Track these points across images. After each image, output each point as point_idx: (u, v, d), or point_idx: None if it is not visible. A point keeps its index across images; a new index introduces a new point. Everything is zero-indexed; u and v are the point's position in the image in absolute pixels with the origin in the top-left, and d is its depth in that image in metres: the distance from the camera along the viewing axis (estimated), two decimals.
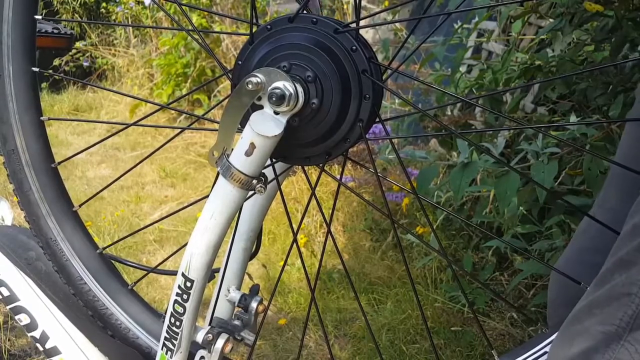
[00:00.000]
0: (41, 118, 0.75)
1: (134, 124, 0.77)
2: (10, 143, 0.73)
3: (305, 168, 0.73)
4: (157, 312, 0.80)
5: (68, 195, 0.78)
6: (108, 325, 0.77)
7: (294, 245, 0.66)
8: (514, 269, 1.60)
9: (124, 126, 0.78)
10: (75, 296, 0.77)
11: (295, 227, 0.69)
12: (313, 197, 0.65)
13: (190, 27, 0.71)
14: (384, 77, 0.59)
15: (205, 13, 3.69)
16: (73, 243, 0.76)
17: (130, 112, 3.65)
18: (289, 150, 0.60)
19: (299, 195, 2.33)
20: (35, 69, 0.73)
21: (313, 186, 0.65)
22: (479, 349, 1.40)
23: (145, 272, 0.79)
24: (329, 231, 0.67)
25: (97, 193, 0.82)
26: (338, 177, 0.67)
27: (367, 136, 0.58)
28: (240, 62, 0.59)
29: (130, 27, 4.73)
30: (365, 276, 1.76)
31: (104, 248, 0.79)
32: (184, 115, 3.62)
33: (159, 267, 0.81)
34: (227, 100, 0.57)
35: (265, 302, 0.72)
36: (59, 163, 0.76)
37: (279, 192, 0.71)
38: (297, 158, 0.61)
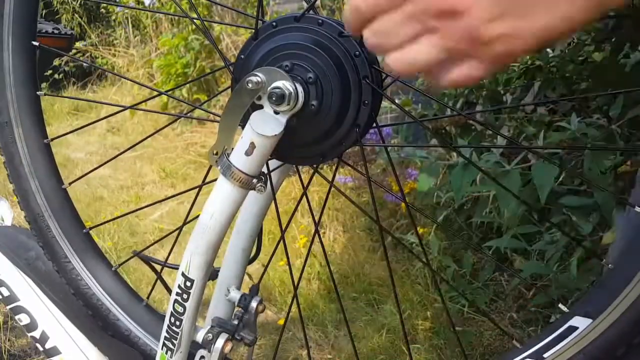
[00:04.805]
0: (37, 93, 0.75)
1: (132, 107, 0.77)
2: (4, 115, 0.73)
3: (300, 169, 0.73)
4: (139, 297, 0.80)
5: (59, 172, 0.78)
6: (89, 305, 0.78)
7: (279, 244, 0.66)
8: (514, 269, 1.60)
9: (122, 108, 0.79)
10: (58, 273, 0.78)
11: (284, 225, 0.70)
12: (305, 197, 0.65)
13: (196, 20, 0.71)
14: (384, 84, 0.59)
15: (206, 12, 3.69)
16: (60, 220, 0.77)
17: (131, 112, 3.66)
18: (285, 149, 0.60)
19: (299, 195, 2.33)
20: (35, 43, 0.73)
21: (305, 186, 0.65)
22: (479, 349, 1.40)
23: (131, 255, 0.80)
24: (316, 231, 0.67)
25: (89, 172, 0.83)
26: (338, 177, 0.67)
27: (363, 140, 0.58)
28: (242, 56, 0.59)
29: (130, 28, 4.73)
30: (365, 276, 1.76)
31: (91, 228, 0.80)
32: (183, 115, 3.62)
33: (162, 265, 0.81)
34: (227, 96, 0.57)
35: (265, 303, 0.72)
36: (52, 139, 0.77)
37: (277, 192, 0.71)
38: (292, 158, 0.62)
